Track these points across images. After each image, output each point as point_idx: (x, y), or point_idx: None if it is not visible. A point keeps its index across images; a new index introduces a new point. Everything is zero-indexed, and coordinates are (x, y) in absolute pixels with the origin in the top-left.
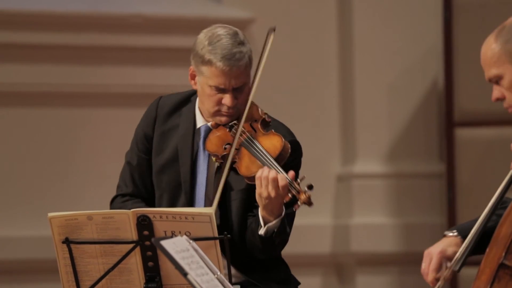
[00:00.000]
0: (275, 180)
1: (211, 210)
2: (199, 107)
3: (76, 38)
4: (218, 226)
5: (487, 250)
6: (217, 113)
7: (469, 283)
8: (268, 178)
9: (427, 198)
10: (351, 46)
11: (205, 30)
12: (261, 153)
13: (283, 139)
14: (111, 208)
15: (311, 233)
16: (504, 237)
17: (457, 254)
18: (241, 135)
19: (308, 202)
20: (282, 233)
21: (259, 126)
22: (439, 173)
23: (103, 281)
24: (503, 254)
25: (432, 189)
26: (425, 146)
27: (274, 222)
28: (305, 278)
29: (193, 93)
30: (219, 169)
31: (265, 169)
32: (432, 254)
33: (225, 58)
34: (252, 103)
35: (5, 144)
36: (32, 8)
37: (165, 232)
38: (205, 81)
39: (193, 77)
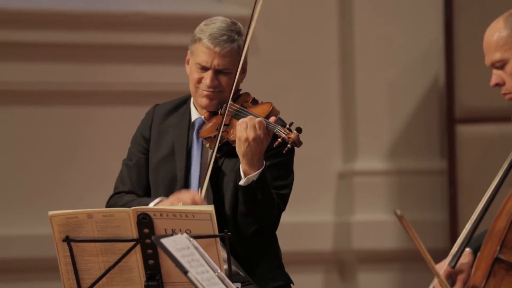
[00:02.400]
0: (252, 119)
1: (211, 207)
2: (193, 102)
3: (77, 37)
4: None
5: (482, 245)
6: (197, 92)
7: None
8: (246, 120)
9: (429, 195)
10: (352, 43)
11: None
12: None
13: (272, 104)
14: (107, 207)
15: (312, 230)
16: (498, 232)
17: (453, 249)
18: (231, 110)
19: (297, 141)
20: (263, 186)
21: (249, 103)
22: (441, 170)
23: (104, 279)
24: (498, 248)
25: (434, 186)
26: (426, 143)
27: (254, 174)
28: (307, 275)
29: (189, 97)
30: (217, 160)
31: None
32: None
33: (212, 37)
34: (245, 92)
35: (6, 142)
36: (33, 6)
37: (165, 230)
38: (193, 60)
39: (188, 62)
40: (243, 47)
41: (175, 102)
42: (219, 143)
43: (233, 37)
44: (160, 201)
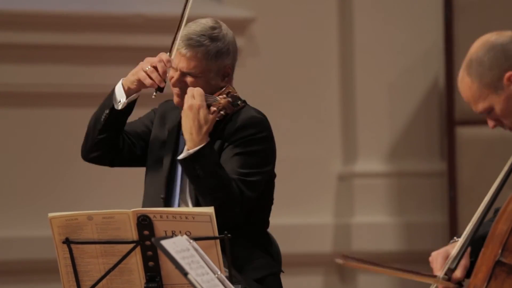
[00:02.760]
0: (192, 89)
1: (211, 209)
2: None
3: (77, 38)
4: (192, 192)
5: (483, 248)
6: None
7: None
8: (188, 91)
9: (428, 197)
10: (352, 45)
11: None
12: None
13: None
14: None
15: (312, 232)
16: (500, 234)
17: (454, 251)
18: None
19: (226, 106)
20: (203, 162)
21: (226, 100)
22: (440, 172)
23: (104, 281)
24: (500, 251)
25: (433, 188)
26: (426, 145)
27: (193, 150)
28: (306, 277)
29: None
30: None
31: None
32: (437, 255)
33: (182, 39)
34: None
35: (6, 144)
36: (32, 8)
37: (165, 231)
38: None
39: None
40: (219, 53)
41: None
42: None
43: (201, 42)
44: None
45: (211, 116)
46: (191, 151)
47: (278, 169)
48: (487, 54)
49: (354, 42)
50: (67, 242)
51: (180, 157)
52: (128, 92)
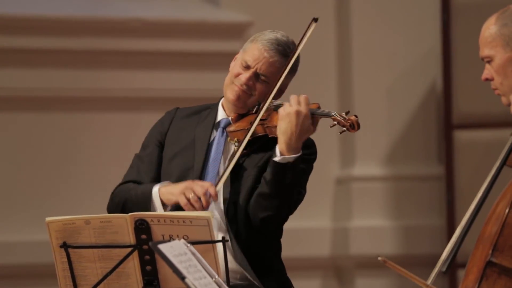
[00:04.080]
0: (298, 96)
1: (209, 213)
2: (222, 103)
3: (75, 43)
4: (226, 201)
5: (474, 249)
6: (230, 86)
7: None
8: (296, 96)
9: (426, 200)
10: (349, 49)
11: None
12: None
13: (319, 105)
14: (112, 194)
15: (310, 236)
16: (490, 235)
17: (444, 255)
18: (271, 105)
19: (356, 123)
20: (295, 171)
21: None
22: (438, 175)
23: (101, 285)
24: (490, 251)
25: (431, 191)
26: (424, 149)
27: (290, 156)
28: (305, 281)
29: (213, 104)
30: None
31: None
32: None
33: (269, 42)
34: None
35: (4, 148)
36: (31, 12)
37: (163, 235)
38: (241, 56)
39: (235, 58)
40: (287, 66)
41: (197, 108)
42: (250, 137)
43: (287, 52)
44: (167, 186)
45: (312, 128)
46: (290, 157)
47: None
48: None
49: (352, 46)
50: (65, 246)
51: (278, 160)
52: (163, 203)
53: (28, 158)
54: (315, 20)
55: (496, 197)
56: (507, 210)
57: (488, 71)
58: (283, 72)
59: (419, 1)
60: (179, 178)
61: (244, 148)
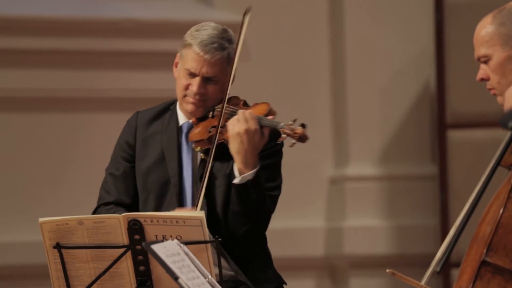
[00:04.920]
0: (243, 112)
1: (202, 213)
2: (178, 107)
3: (69, 43)
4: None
5: (468, 249)
6: (184, 99)
7: None
8: (238, 114)
9: (420, 200)
10: (343, 48)
11: None
12: None
13: (269, 104)
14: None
15: (304, 236)
16: (484, 235)
17: (438, 254)
18: (226, 111)
19: (304, 136)
20: (257, 186)
21: (241, 106)
22: (432, 175)
23: (94, 286)
24: (485, 251)
25: (425, 191)
26: (418, 148)
27: (249, 173)
28: (299, 281)
29: (171, 103)
30: (202, 162)
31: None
32: None
33: (203, 44)
34: (235, 96)
35: (0, 149)
36: (26, 13)
37: (156, 236)
38: (182, 65)
39: (176, 64)
40: (234, 56)
41: (157, 109)
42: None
43: (223, 45)
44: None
45: (264, 138)
46: (249, 175)
47: None
48: None
49: (345, 46)
50: (58, 247)
51: (238, 182)
52: None
53: (23, 159)
54: (247, 11)
55: (490, 197)
56: (501, 211)
57: (483, 71)
58: (232, 64)
59: (412, 1)
60: (159, 195)
61: (206, 154)
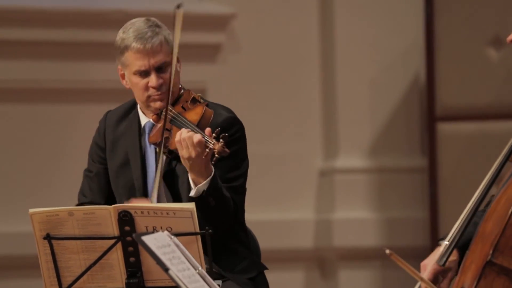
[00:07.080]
0: (190, 138)
1: (192, 205)
2: (139, 107)
3: (58, 34)
4: None
5: (472, 245)
6: (148, 100)
7: None
8: (185, 138)
9: (409, 192)
10: (332, 41)
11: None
12: (185, 124)
13: (205, 107)
14: None
15: (293, 228)
16: (490, 234)
17: (442, 249)
18: (169, 115)
19: (223, 151)
20: (215, 192)
21: (188, 104)
22: (421, 167)
23: (85, 276)
24: (491, 251)
25: (414, 183)
26: (407, 141)
27: (204, 182)
28: (288, 272)
29: (136, 101)
30: (170, 162)
31: (182, 131)
32: (426, 266)
33: (137, 38)
34: (186, 89)
35: None
36: (14, 4)
37: (146, 227)
38: (129, 72)
39: (122, 76)
40: (172, 39)
41: (124, 108)
42: (169, 147)
43: (155, 31)
44: None
45: (209, 152)
46: (204, 185)
47: (259, 165)
48: None
49: (335, 38)
50: (48, 238)
51: (193, 194)
52: None
53: (13, 150)
54: (178, 6)
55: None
56: (510, 210)
57: None
58: (172, 46)
59: None
60: (128, 198)
61: (169, 154)
